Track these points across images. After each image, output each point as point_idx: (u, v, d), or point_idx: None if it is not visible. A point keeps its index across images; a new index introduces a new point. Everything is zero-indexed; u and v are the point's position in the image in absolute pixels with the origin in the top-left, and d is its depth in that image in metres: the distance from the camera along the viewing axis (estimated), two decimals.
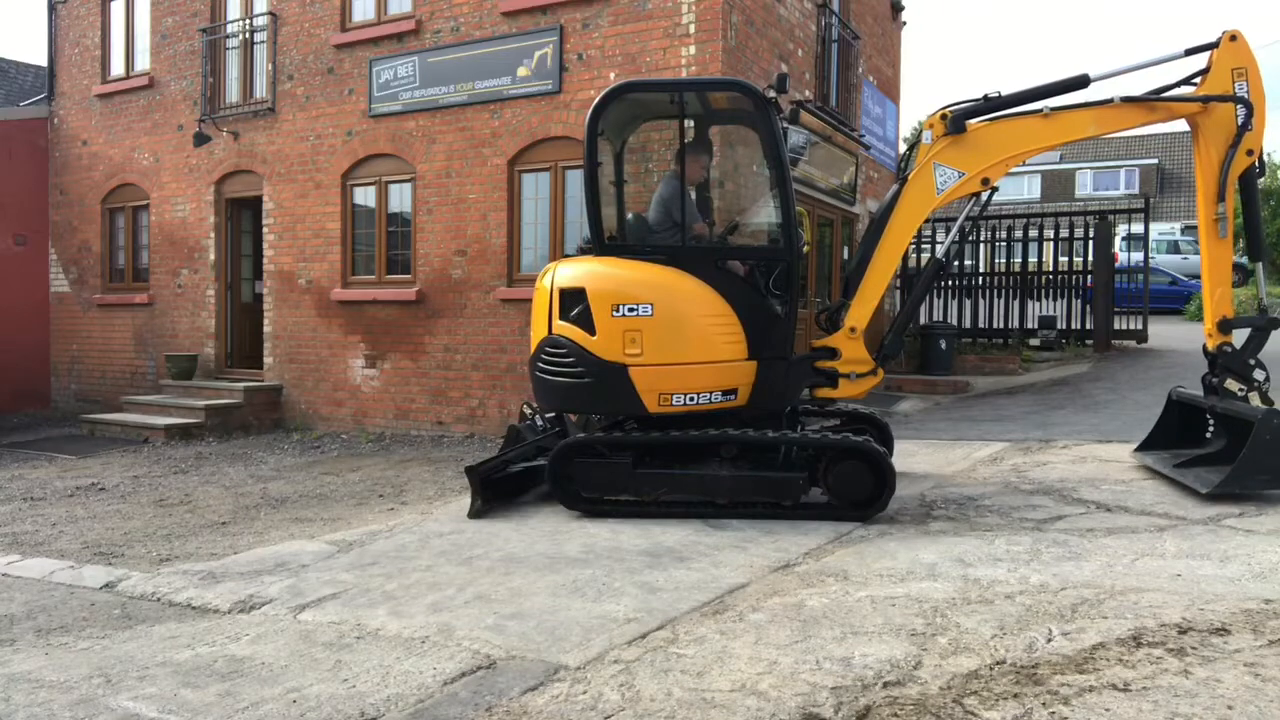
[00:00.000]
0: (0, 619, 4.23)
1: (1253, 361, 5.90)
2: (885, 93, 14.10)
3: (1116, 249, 15.99)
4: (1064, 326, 14.78)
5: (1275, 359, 6.19)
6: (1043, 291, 15.19)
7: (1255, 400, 5.81)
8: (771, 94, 5.74)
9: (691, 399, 5.60)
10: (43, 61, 14.81)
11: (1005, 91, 5.93)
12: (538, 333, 5.91)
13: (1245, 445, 5.33)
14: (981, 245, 15.27)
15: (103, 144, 13.64)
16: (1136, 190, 36.92)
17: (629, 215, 6.52)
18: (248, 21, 12.07)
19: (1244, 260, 25.87)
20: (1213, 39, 5.84)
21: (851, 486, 5.47)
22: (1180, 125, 6.39)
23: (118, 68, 13.55)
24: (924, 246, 15.05)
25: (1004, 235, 15.32)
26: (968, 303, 15.08)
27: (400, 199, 10.93)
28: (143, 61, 13.22)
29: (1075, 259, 15.07)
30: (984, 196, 6.05)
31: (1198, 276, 26.08)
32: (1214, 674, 2.96)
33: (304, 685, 3.26)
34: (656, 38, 9.05)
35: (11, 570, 5.13)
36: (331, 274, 11.37)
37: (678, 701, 2.97)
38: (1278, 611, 3.52)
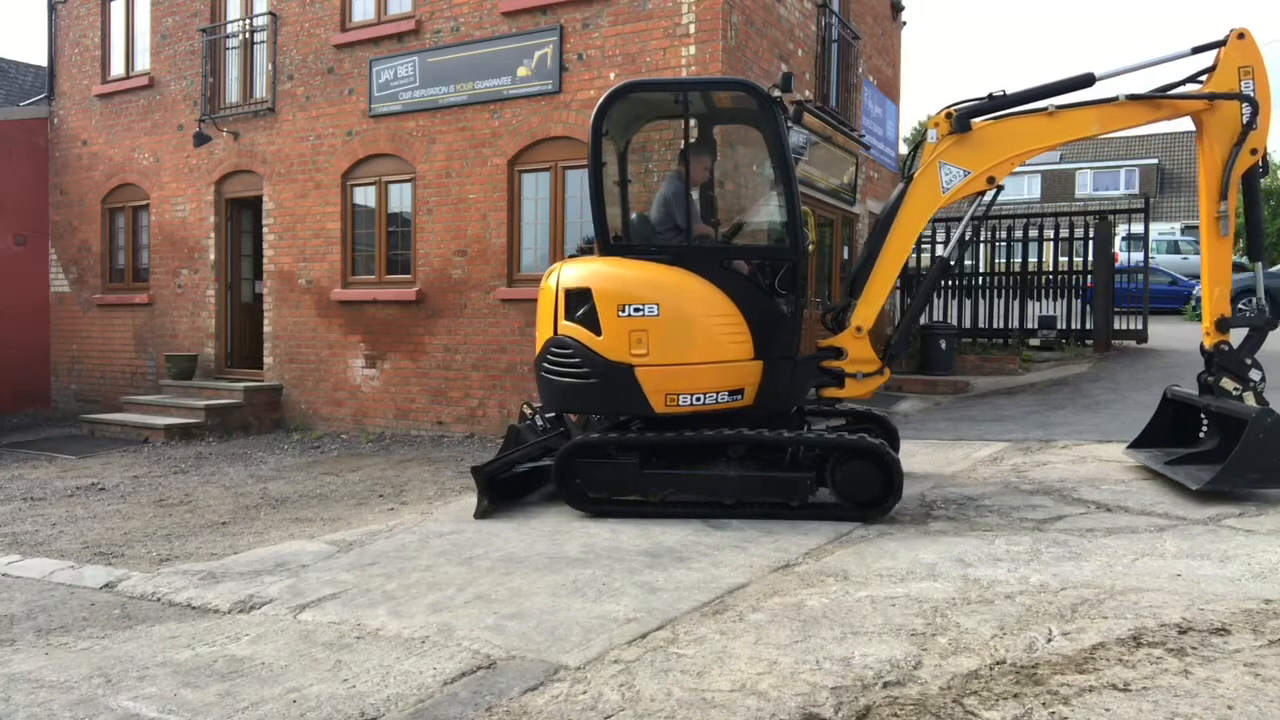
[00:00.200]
0: (0, 619, 4.23)
1: (1249, 361, 5.90)
2: (885, 93, 14.10)
3: (1116, 249, 15.98)
4: (1064, 326, 14.78)
5: (1273, 359, 6.19)
6: (1043, 291, 15.19)
7: (1250, 400, 5.81)
8: (777, 93, 5.72)
9: (698, 399, 5.59)
10: (43, 61, 14.83)
11: (1010, 90, 5.91)
12: (543, 333, 5.89)
13: (1238, 443, 5.33)
14: (981, 245, 15.27)
15: (103, 144, 13.64)
16: (1136, 190, 36.94)
17: (633, 215, 6.50)
18: (248, 21, 12.07)
19: (1242, 260, 25.91)
20: (1220, 37, 5.83)
21: (859, 487, 5.45)
22: (1181, 125, 6.39)
23: (118, 68, 13.56)
24: (924, 247, 15.04)
25: (1004, 235, 15.33)
26: (968, 303, 15.08)
27: (400, 199, 10.93)
28: (143, 61, 13.23)
29: (1075, 259, 15.07)
30: (989, 195, 6.04)
31: (1198, 276, 26.01)
32: (1214, 674, 2.96)
33: (304, 685, 3.26)
34: (656, 38, 9.05)
35: (11, 570, 5.13)
36: (331, 274, 11.37)
37: (678, 701, 2.97)
38: (1278, 611, 3.52)
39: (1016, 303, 14.86)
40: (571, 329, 5.67)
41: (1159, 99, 5.88)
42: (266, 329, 12.01)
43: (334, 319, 11.37)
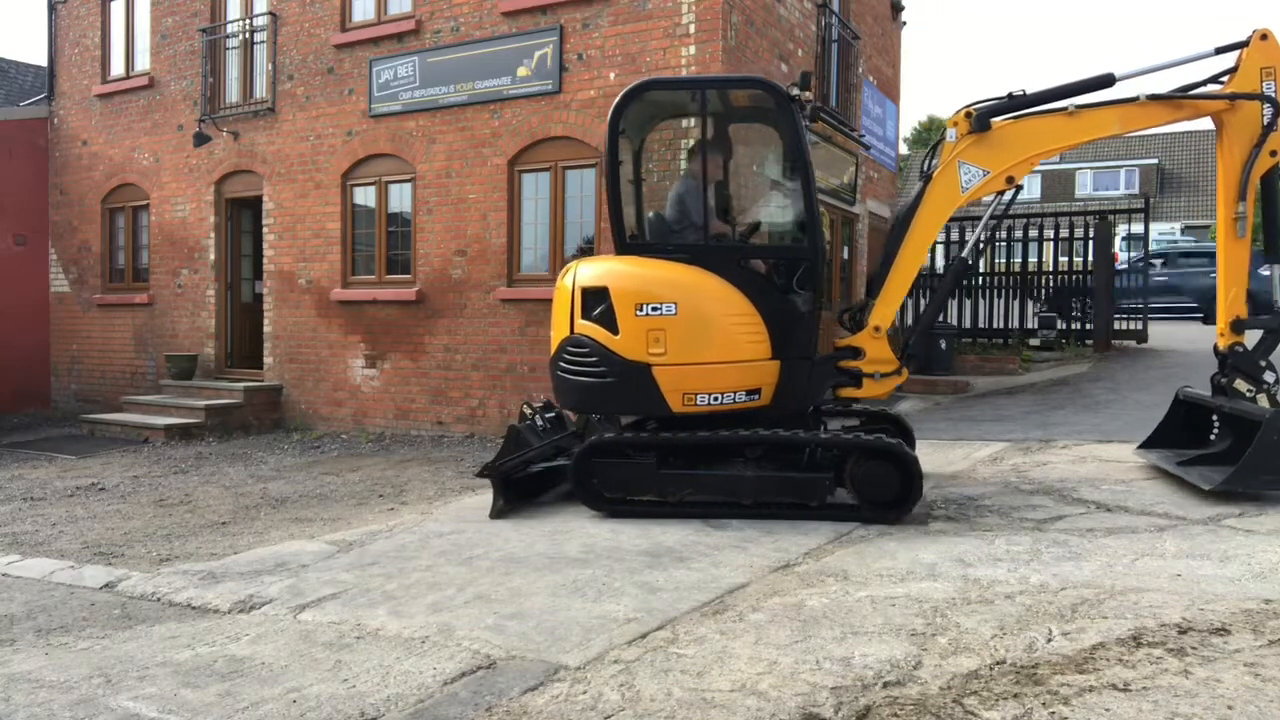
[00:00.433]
0: (0, 619, 4.23)
1: (1264, 363, 5.85)
2: (885, 93, 14.10)
3: (1116, 249, 15.98)
4: (1064, 326, 14.78)
5: None
6: (1043, 291, 15.19)
7: (1263, 401, 5.79)
8: (795, 91, 5.70)
9: (715, 399, 5.55)
10: (43, 61, 14.83)
11: (1029, 90, 5.87)
12: (559, 332, 5.85)
13: (1251, 445, 5.31)
14: (981, 245, 15.27)
15: (103, 144, 13.64)
16: (1136, 190, 36.93)
17: (650, 214, 6.47)
18: (248, 21, 12.07)
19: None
20: (1243, 38, 5.82)
21: (878, 488, 5.39)
22: (1181, 125, 6.38)
23: (118, 68, 13.56)
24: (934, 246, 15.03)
25: (1004, 235, 15.32)
26: (968, 303, 15.08)
27: (400, 199, 10.93)
28: (143, 61, 13.23)
29: (1075, 259, 15.07)
30: (1008, 195, 6.00)
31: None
32: (1214, 674, 2.96)
33: (304, 685, 3.26)
34: (656, 38, 9.06)
35: (11, 570, 5.13)
36: (331, 274, 11.38)
37: (678, 701, 2.97)
38: (1278, 611, 3.52)
39: (1016, 303, 14.86)
40: (588, 328, 5.63)
41: (1180, 99, 5.84)
42: (266, 329, 12.01)
43: (334, 319, 11.37)
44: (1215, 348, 6.05)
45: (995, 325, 14.93)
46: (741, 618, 3.75)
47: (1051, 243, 15.14)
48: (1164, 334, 15.65)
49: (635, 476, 5.68)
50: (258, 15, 11.96)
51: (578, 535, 5.26)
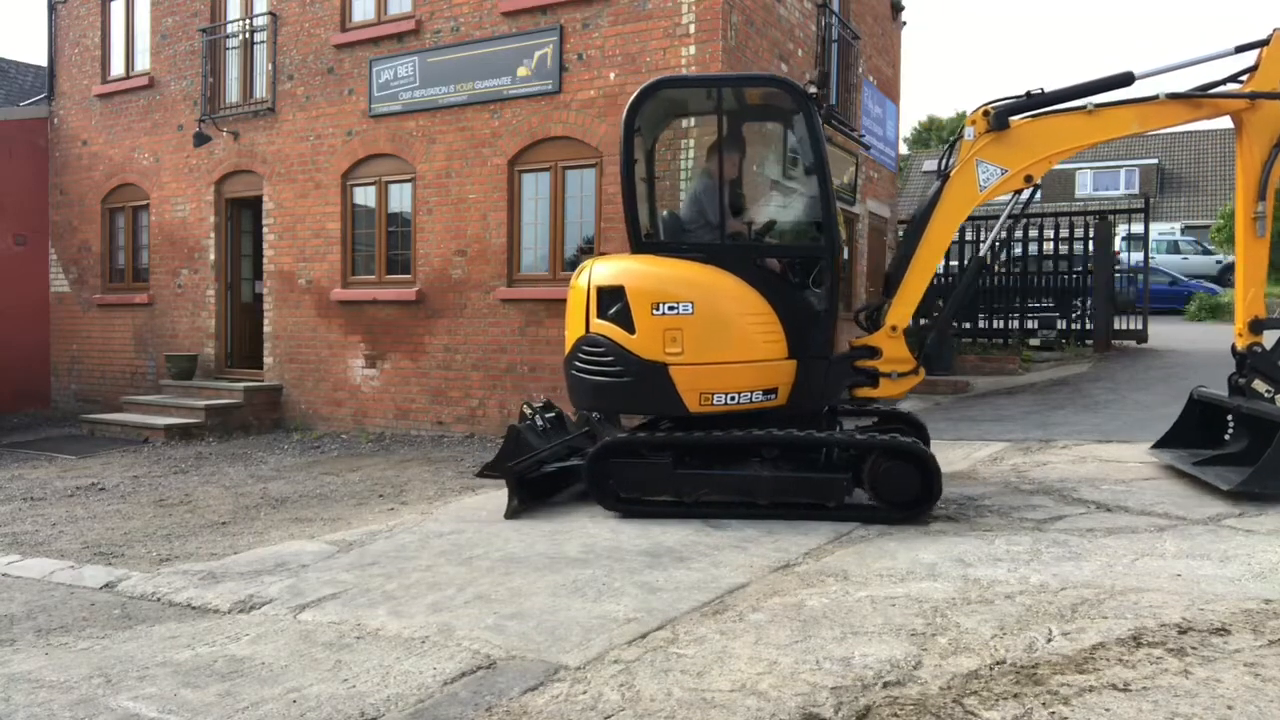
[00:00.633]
0: (0, 619, 4.23)
1: None
2: (885, 93, 14.10)
3: (1117, 249, 15.99)
4: (1064, 326, 14.78)
5: None
6: (1043, 292, 15.19)
7: None
8: (813, 90, 5.68)
9: (732, 398, 5.52)
10: (43, 61, 14.82)
11: (1047, 89, 5.84)
12: (574, 331, 5.82)
13: (1271, 446, 5.27)
14: (981, 245, 15.28)
15: (103, 144, 13.64)
16: (1136, 190, 36.90)
17: (664, 212, 6.44)
18: (248, 21, 12.08)
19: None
20: (1264, 36, 5.79)
21: (897, 488, 5.35)
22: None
23: (118, 68, 13.56)
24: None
25: (1003, 236, 15.32)
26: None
27: (400, 199, 10.93)
28: (143, 61, 13.23)
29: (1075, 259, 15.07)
30: (1026, 194, 5.98)
31: (1198, 277, 26.10)
32: (1214, 674, 2.96)
33: (304, 685, 3.26)
34: (656, 38, 9.06)
35: (11, 570, 5.13)
36: (331, 274, 11.38)
37: (678, 701, 2.97)
38: (1278, 611, 3.52)
39: (1016, 303, 14.87)
40: (604, 327, 5.61)
41: (1199, 98, 5.82)
42: (266, 329, 12.01)
43: (334, 319, 11.37)
44: (1233, 348, 6.01)
45: (995, 325, 14.94)
46: (741, 618, 3.75)
47: (1051, 243, 15.15)
48: (1164, 334, 15.65)
49: (651, 477, 5.64)
50: (258, 15, 11.96)
51: (578, 535, 5.26)
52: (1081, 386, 11.03)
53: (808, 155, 5.82)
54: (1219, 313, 21.33)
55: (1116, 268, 15.11)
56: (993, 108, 5.81)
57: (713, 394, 5.50)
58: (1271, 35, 5.74)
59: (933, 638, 3.41)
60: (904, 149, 46.54)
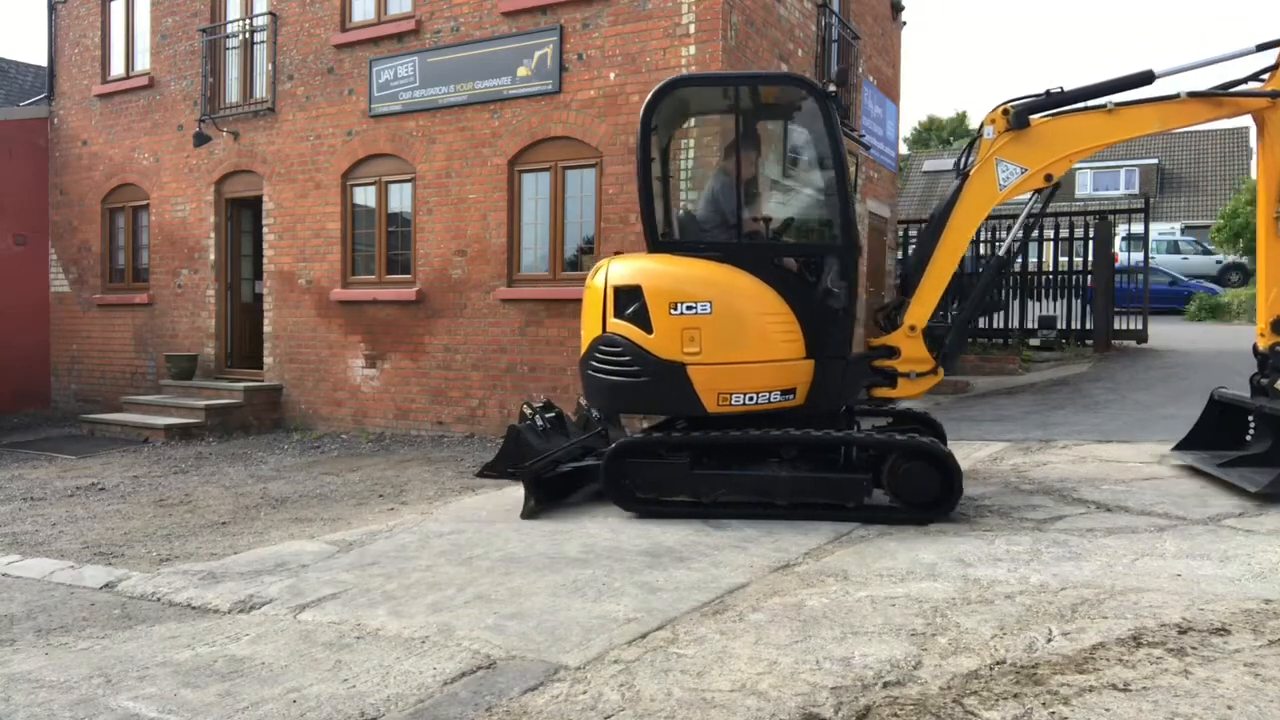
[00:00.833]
0: (0, 619, 4.23)
1: None
2: (885, 93, 14.10)
3: (1116, 249, 16.00)
4: (1064, 326, 14.78)
5: None
6: (1043, 291, 15.20)
7: None
8: (832, 88, 5.64)
9: (751, 399, 5.49)
10: (43, 61, 14.82)
11: (1067, 87, 5.82)
12: (590, 331, 5.78)
13: None
14: (981, 245, 15.29)
15: (103, 144, 13.64)
16: (1136, 190, 36.90)
17: (680, 211, 6.40)
18: (248, 21, 12.08)
19: (1243, 260, 25.89)
20: None
21: (918, 488, 5.32)
22: (1203, 124, 6.32)
23: (118, 68, 13.56)
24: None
25: (1004, 235, 15.32)
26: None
27: (400, 199, 10.93)
28: (143, 61, 13.23)
29: (1075, 259, 15.08)
30: (1045, 193, 5.94)
31: (1198, 277, 26.09)
32: (1214, 674, 2.96)
33: (304, 685, 3.26)
34: (656, 38, 9.06)
35: (11, 570, 5.13)
36: (331, 274, 11.38)
37: (678, 701, 2.97)
38: (1278, 611, 3.52)
39: (1016, 303, 14.87)
40: (621, 327, 5.57)
41: (1220, 96, 5.79)
42: (266, 329, 12.01)
43: (334, 319, 11.37)
44: (1255, 348, 5.99)
45: (995, 325, 14.94)
46: (741, 618, 3.75)
47: (1051, 243, 15.15)
48: (1164, 334, 15.66)
49: (668, 477, 5.61)
50: (258, 15, 11.96)
51: (578, 535, 5.26)
52: (1081, 386, 11.04)
53: (826, 154, 5.77)
54: (1219, 313, 21.35)
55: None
56: (1012, 106, 5.76)
57: (731, 394, 5.47)
58: None
59: (933, 638, 3.41)
60: (904, 149, 46.51)
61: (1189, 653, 3.14)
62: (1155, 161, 40.16)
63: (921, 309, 5.91)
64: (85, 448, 10.77)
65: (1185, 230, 31.84)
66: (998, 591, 3.93)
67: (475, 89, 10.11)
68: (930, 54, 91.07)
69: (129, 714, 3.09)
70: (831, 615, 3.72)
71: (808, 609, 3.81)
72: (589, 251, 9.67)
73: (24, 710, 3.14)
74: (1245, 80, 5.87)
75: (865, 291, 12.92)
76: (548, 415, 6.81)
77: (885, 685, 3.01)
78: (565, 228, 9.81)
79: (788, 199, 6.74)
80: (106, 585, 4.73)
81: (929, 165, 44.29)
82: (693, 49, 8.87)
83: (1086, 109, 5.82)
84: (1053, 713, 2.74)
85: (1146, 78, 5.74)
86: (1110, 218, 14.89)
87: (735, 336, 5.47)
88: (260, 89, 12.01)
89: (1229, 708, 2.73)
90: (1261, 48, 5.79)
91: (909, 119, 61.00)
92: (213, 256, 12.54)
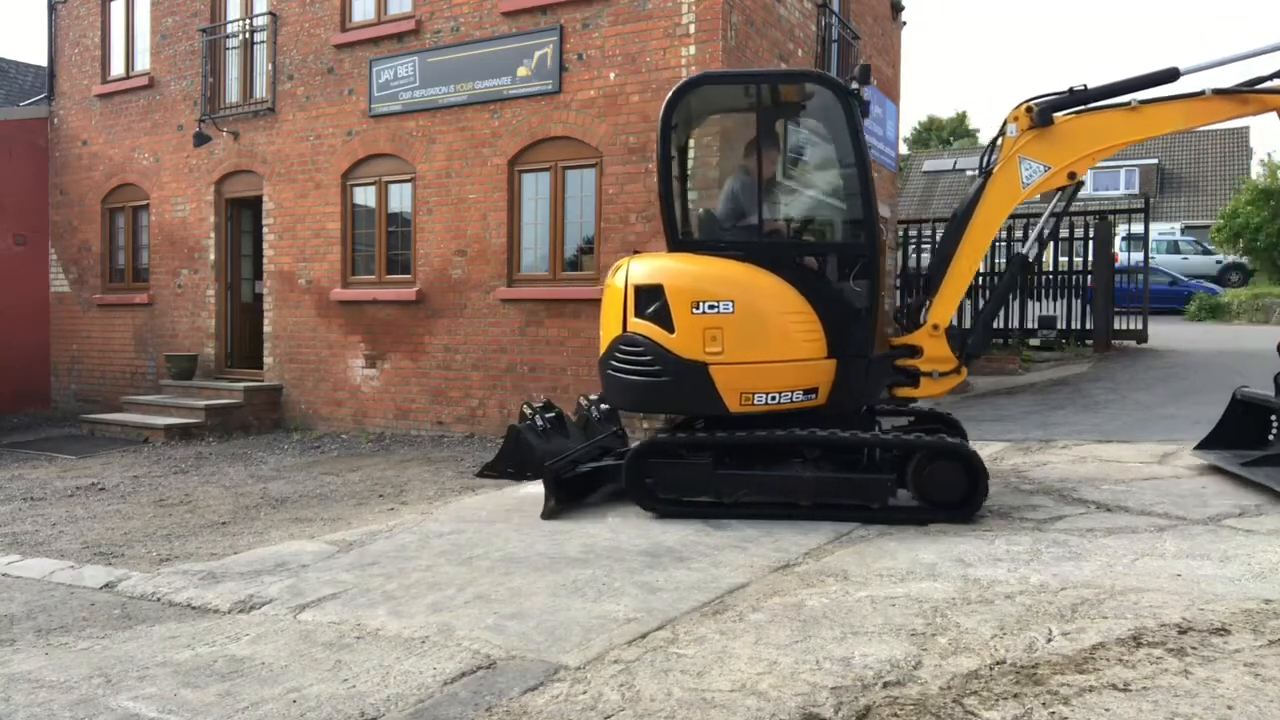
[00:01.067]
0: (0, 619, 4.23)
1: None
2: (885, 93, 14.10)
3: (1116, 249, 15.99)
4: (1064, 326, 14.78)
5: None
6: (1043, 291, 15.19)
7: None
8: (855, 86, 5.61)
9: (773, 398, 5.45)
10: (43, 61, 14.82)
11: (1091, 85, 5.78)
12: (610, 331, 5.74)
13: None
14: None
15: (103, 144, 13.64)
16: (1136, 190, 36.89)
17: (700, 210, 6.36)
18: (248, 21, 12.08)
19: (1243, 260, 25.88)
20: None
21: (944, 488, 5.29)
22: (1228, 121, 6.30)
23: (118, 68, 13.56)
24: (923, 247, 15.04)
25: (1004, 235, 15.32)
26: (967, 303, 15.06)
27: (400, 199, 10.93)
28: (143, 61, 13.23)
29: (1075, 259, 15.08)
30: (1068, 191, 5.92)
31: (1198, 277, 26.09)
32: (1214, 674, 2.96)
33: (304, 685, 3.26)
34: (657, 38, 9.06)
35: (11, 570, 5.13)
36: (331, 274, 11.38)
37: (678, 701, 2.97)
38: (1278, 611, 3.52)
39: (1016, 303, 14.87)
40: (642, 326, 5.53)
41: (1245, 94, 5.76)
42: (266, 329, 12.01)
43: (334, 319, 11.37)
44: (1279, 347, 5.97)
45: (995, 325, 14.93)
46: (741, 618, 3.75)
47: (1051, 243, 15.13)
48: (1164, 334, 15.66)
49: (690, 477, 5.57)
50: (258, 15, 11.96)
51: (578, 535, 5.26)
52: (1081, 386, 11.04)
53: (848, 152, 5.73)
54: (1219, 313, 21.35)
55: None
56: (1035, 104, 5.72)
57: (753, 394, 5.43)
58: None
59: (933, 638, 3.41)
60: (904, 149, 46.52)
61: (1189, 653, 3.14)
62: (1155, 161, 40.16)
63: (945, 308, 5.87)
64: (85, 448, 10.77)
65: (1185, 230, 31.83)
66: (998, 591, 3.93)
67: (475, 89, 10.11)
68: (930, 54, 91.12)
69: (129, 714, 3.09)
70: (831, 615, 3.72)
71: (808, 609, 3.81)
72: (589, 251, 9.67)
73: (24, 710, 3.14)
74: (1270, 77, 5.82)
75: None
76: (548, 415, 6.83)
77: (885, 685, 3.01)
78: (565, 228, 9.81)
79: (809, 197, 6.72)
80: (106, 585, 4.73)
81: (929, 165, 44.30)
82: (693, 49, 8.87)
83: (1110, 106, 5.78)
84: (1053, 713, 2.74)
85: (1171, 75, 5.69)
86: (1110, 218, 14.90)
87: (757, 336, 5.43)
88: (260, 89, 12.01)
89: (1229, 708, 2.73)
90: None
91: (909, 119, 61.01)
92: (213, 256, 12.54)
